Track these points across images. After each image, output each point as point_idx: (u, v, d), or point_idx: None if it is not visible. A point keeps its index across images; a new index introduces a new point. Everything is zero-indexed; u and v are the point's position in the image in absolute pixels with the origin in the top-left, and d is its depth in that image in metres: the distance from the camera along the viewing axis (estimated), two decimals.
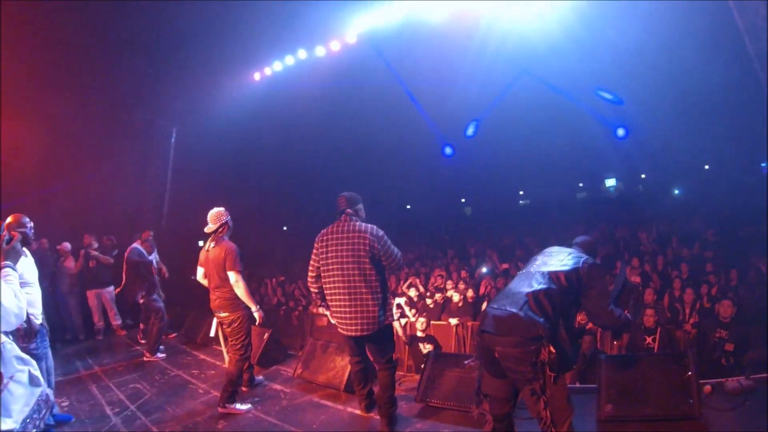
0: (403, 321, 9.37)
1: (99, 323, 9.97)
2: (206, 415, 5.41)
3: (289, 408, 5.46)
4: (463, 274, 11.79)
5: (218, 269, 5.56)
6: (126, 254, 8.48)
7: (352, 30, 12.45)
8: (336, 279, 4.63)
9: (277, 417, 5.21)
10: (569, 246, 3.95)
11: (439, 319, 9.50)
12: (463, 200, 33.70)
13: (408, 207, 30.61)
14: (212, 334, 6.23)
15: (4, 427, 2.50)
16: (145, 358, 7.92)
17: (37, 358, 3.73)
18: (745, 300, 7.69)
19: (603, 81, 15.90)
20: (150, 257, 8.59)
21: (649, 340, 7.12)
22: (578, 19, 12.11)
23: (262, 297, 12.46)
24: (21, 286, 2.99)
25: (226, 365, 6.12)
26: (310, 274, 4.89)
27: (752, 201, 11.09)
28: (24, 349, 2.91)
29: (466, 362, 3.87)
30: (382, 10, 12.00)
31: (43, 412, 2.77)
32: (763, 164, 18.89)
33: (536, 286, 3.43)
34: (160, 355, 7.99)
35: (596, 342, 7.46)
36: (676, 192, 23.37)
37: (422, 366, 5.51)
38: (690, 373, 4.07)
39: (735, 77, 12.98)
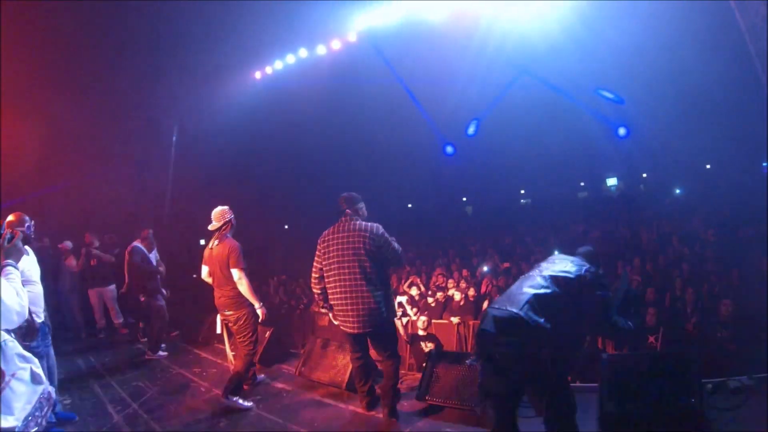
0: (404, 320, 9.37)
1: (100, 321, 9.99)
2: (208, 413, 5.41)
3: (291, 406, 5.47)
4: (465, 272, 11.79)
5: (222, 267, 5.61)
6: (127, 253, 8.47)
7: (353, 29, 12.46)
8: (338, 278, 4.70)
9: (278, 415, 5.21)
10: (572, 255, 3.95)
11: (441, 318, 9.50)
12: (464, 199, 33.68)
13: (409, 206, 30.57)
14: (219, 330, 6.25)
15: (5, 425, 2.50)
16: (146, 356, 7.93)
17: (39, 357, 3.72)
18: (746, 299, 7.68)
19: (604, 80, 15.88)
20: (150, 255, 8.58)
21: (651, 339, 7.11)
22: (578, 19, 12.10)
23: (263, 295, 12.46)
24: (23, 285, 2.99)
25: (230, 363, 6.16)
26: (313, 275, 4.96)
27: (753, 201, 11.07)
28: (25, 348, 2.90)
29: (467, 362, 3.88)
30: (382, 9, 12.00)
31: (45, 409, 2.76)
32: (764, 164, 18.85)
33: (538, 288, 3.43)
34: (162, 353, 8.00)
35: (597, 341, 7.45)
36: (677, 191, 23.33)
37: (424, 364, 5.51)
38: (692, 371, 4.06)
39: (736, 77, 12.96)
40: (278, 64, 13.74)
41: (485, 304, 8.96)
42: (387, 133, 20.87)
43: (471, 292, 9.97)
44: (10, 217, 4.47)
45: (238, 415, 5.30)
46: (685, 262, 10.03)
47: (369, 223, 4.76)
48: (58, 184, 13.28)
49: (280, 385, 6.20)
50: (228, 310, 5.72)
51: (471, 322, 8.93)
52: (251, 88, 14.36)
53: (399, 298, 9.77)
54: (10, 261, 3.03)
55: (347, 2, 12.01)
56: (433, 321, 9.11)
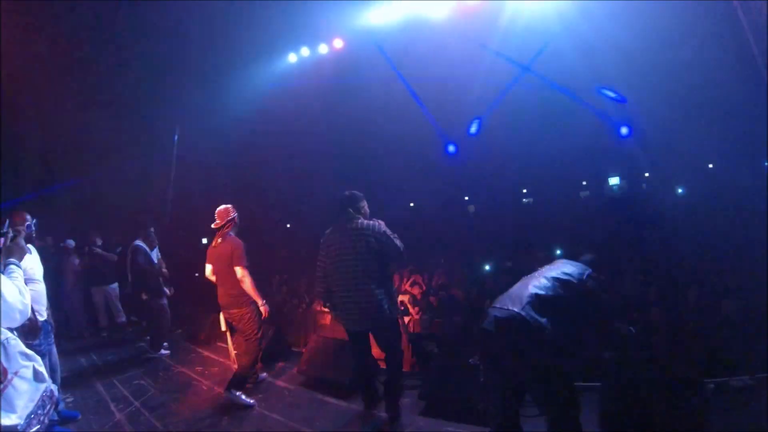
0: (406, 319, 9.36)
1: (103, 320, 10.00)
2: (210, 412, 5.43)
3: (293, 404, 5.48)
4: (467, 271, 11.79)
5: (225, 265, 5.67)
6: (130, 252, 8.46)
7: (356, 27, 12.45)
8: (340, 276, 4.73)
9: (280, 413, 5.22)
10: (575, 260, 3.96)
11: (443, 317, 9.49)
12: (466, 198, 33.66)
13: (411, 205, 30.58)
14: (223, 328, 6.28)
15: (8, 423, 2.51)
16: (149, 355, 7.94)
17: (41, 355, 3.73)
18: (749, 299, 7.66)
19: (606, 79, 15.86)
20: (152, 253, 8.58)
21: (655, 338, 7.11)
22: (581, 17, 12.08)
23: (266, 294, 12.46)
24: (26, 283, 2.99)
25: (232, 361, 6.20)
26: (317, 274, 5.00)
27: (756, 200, 11.06)
28: (28, 346, 2.91)
29: (470, 361, 3.89)
30: (384, 7, 11.99)
31: (48, 407, 2.77)
32: (766, 163, 18.82)
33: (540, 289, 3.44)
34: (164, 351, 8.01)
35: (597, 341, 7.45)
36: (680, 191, 23.32)
37: (425, 364, 5.52)
38: (694, 370, 4.07)
39: (739, 76, 12.93)
40: (281, 64, 13.74)
41: (487, 304, 8.95)
42: (389, 132, 20.85)
43: (473, 291, 9.97)
44: (12, 216, 4.47)
45: (240, 414, 5.32)
46: (686, 262, 10.02)
47: (371, 221, 4.78)
48: (61, 183, 13.30)
49: (282, 384, 6.20)
50: (231, 308, 5.76)
51: (473, 322, 8.92)
52: (253, 88, 14.36)
53: (401, 297, 9.77)
54: (12, 260, 3.04)
55: (350, 1, 12.01)
56: (435, 320, 9.11)
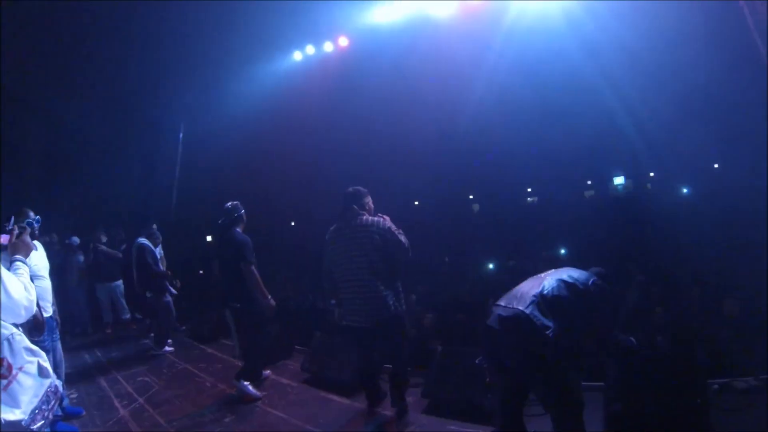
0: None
1: (107, 317, 10.04)
2: (213, 408, 5.44)
3: (296, 402, 5.48)
4: (470, 270, 11.80)
5: (232, 261, 5.72)
6: (136, 251, 8.48)
7: (361, 26, 12.43)
8: (346, 273, 4.73)
9: (283, 411, 5.23)
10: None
11: (447, 315, 9.49)
12: (471, 197, 33.67)
13: (416, 203, 30.58)
14: (230, 323, 6.32)
15: (12, 418, 2.52)
16: (153, 352, 7.96)
17: (45, 351, 3.74)
18: (753, 300, 7.64)
19: (612, 78, 15.84)
20: (155, 250, 8.60)
21: (660, 338, 7.09)
22: (587, 16, 12.05)
23: (269, 291, 12.48)
24: (31, 279, 3.01)
25: (236, 358, 6.24)
26: (323, 270, 4.98)
27: (761, 200, 11.03)
28: (33, 342, 2.93)
29: (476, 361, 3.89)
30: (390, 6, 11.97)
31: (52, 403, 2.78)
32: None
33: (546, 290, 3.44)
34: (168, 348, 8.03)
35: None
36: (685, 191, 23.27)
37: (430, 362, 5.52)
38: (698, 371, 4.06)
39: (746, 76, 12.89)
40: (285, 61, 13.74)
41: (490, 302, 8.95)
42: (393, 131, 20.88)
43: (477, 289, 9.97)
44: (18, 213, 4.49)
45: (243, 411, 5.33)
46: (691, 262, 10.00)
47: (375, 218, 4.78)
48: (66, 180, 13.33)
49: (285, 381, 6.21)
50: (238, 303, 5.85)
51: (478, 320, 8.91)
52: (258, 85, 14.36)
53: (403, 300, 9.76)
54: (18, 256, 3.06)
55: (355, 0, 12.00)
56: (439, 318, 9.11)
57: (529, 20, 12.12)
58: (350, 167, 19.70)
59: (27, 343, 2.77)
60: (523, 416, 3.73)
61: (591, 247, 12.83)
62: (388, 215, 4.87)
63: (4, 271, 2.65)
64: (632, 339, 3.70)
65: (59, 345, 5.14)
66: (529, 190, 33.60)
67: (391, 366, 5.01)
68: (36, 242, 4.63)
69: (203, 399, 5.80)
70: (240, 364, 6.28)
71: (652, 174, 28.47)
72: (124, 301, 10.05)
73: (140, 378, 6.76)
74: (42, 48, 10.81)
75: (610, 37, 13.73)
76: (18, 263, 3.00)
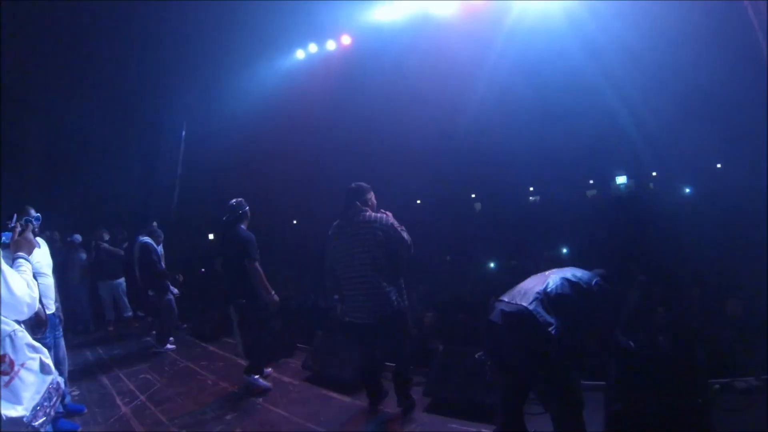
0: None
1: (109, 315, 10.06)
2: (215, 406, 5.45)
3: (298, 400, 5.49)
4: (472, 269, 11.79)
5: (236, 257, 5.77)
6: (139, 250, 8.49)
7: (363, 24, 12.43)
8: (349, 269, 4.74)
9: (285, 409, 5.23)
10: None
11: (448, 314, 9.49)
12: (473, 196, 33.67)
13: (418, 202, 30.58)
14: (233, 320, 6.35)
15: (14, 414, 2.52)
16: (155, 349, 7.98)
17: (47, 348, 3.76)
18: (754, 300, 7.63)
19: (614, 78, 15.82)
20: (157, 248, 8.61)
21: (662, 338, 7.09)
22: (588, 16, 12.05)
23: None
24: (34, 277, 3.02)
25: (239, 356, 6.27)
26: (325, 267, 4.99)
27: (763, 201, 11.01)
28: (34, 339, 2.94)
29: (476, 356, 3.89)
30: (392, 5, 11.97)
31: (54, 400, 2.78)
32: None
33: (549, 287, 3.45)
34: (170, 346, 8.05)
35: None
36: (687, 190, 23.24)
37: (431, 360, 5.52)
38: (699, 371, 4.05)
39: (749, 76, 12.87)
40: (288, 60, 13.74)
41: (492, 300, 8.95)
42: (395, 129, 20.87)
43: (479, 288, 9.97)
44: (20, 211, 4.51)
45: (245, 408, 5.34)
46: (693, 262, 9.99)
47: (378, 214, 4.78)
48: (68, 178, 13.34)
49: (286, 379, 6.22)
50: (243, 299, 5.90)
51: (479, 319, 8.91)
52: (260, 84, 14.37)
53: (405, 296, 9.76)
54: (21, 253, 3.06)
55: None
56: (440, 317, 9.11)
57: (530, 20, 12.12)
58: (351, 166, 19.69)
59: (29, 339, 2.78)
60: (524, 415, 3.74)
61: (592, 247, 12.83)
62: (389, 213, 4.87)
63: (6, 267, 2.65)
64: (631, 343, 3.70)
65: (62, 342, 5.17)
66: (531, 189, 33.59)
67: (393, 364, 5.01)
68: (40, 240, 4.65)
69: (205, 397, 5.81)
70: (244, 362, 6.35)
71: (654, 174, 28.44)
72: (126, 299, 10.07)
73: (142, 376, 6.77)
74: (42, 47, 10.83)
75: (612, 37, 13.73)
76: (21, 260, 3.00)
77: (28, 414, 2.58)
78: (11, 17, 9.45)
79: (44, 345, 3.17)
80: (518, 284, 3.72)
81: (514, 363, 3.38)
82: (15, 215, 3.45)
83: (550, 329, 3.19)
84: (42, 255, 4.65)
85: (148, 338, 8.88)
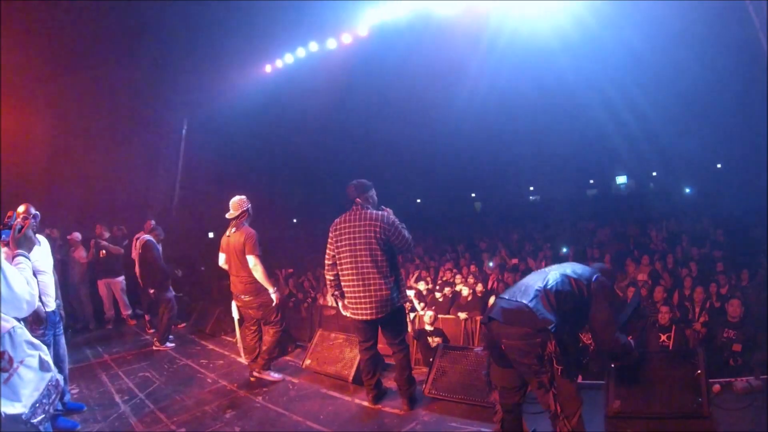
0: (411, 315, 9.36)
1: (109, 313, 10.06)
2: (214, 404, 5.44)
3: (297, 398, 5.48)
4: (473, 268, 11.79)
5: (239, 254, 5.82)
6: (141, 248, 8.49)
7: (364, 23, 12.42)
8: (349, 266, 4.76)
9: (284, 407, 5.23)
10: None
11: (448, 313, 9.50)
12: (473, 195, 33.70)
13: (418, 201, 30.60)
14: (234, 316, 6.36)
15: (13, 411, 2.52)
16: (154, 347, 7.98)
17: (47, 345, 3.76)
18: (755, 300, 7.63)
19: (615, 78, 15.81)
20: (158, 246, 8.62)
21: (663, 337, 7.09)
22: (590, 15, 12.03)
23: None
24: (34, 274, 3.01)
25: (239, 350, 6.29)
26: (326, 262, 5.02)
27: (764, 201, 11.01)
28: (34, 336, 2.94)
29: (476, 350, 3.90)
30: (393, 3, 11.96)
31: (53, 397, 2.78)
32: None
33: (549, 284, 3.45)
34: (170, 344, 8.05)
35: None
36: (688, 190, 23.25)
37: (431, 359, 5.53)
38: (699, 371, 4.05)
39: (750, 76, 12.87)
40: (289, 58, 13.73)
41: (492, 299, 8.97)
42: (396, 128, 20.86)
43: (479, 287, 9.97)
44: (21, 208, 4.51)
45: (244, 407, 5.34)
46: (693, 262, 10.00)
47: (380, 212, 4.82)
48: (68, 175, 13.32)
49: (286, 377, 6.22)
50: (245, 296, 5.95)
51: (478, 318, 8.92)
52: (261, 82, 14.36)
53: (407, 293, 9.76)
54: (21, 251, 3.06)
55: None
56: (440, 316, 9.11)
57: (533, 20, 12.11)
58: (352, 164, 19.73)
59: (28, 336, 2.78)
60: (523, 413, 3.74)
61: (592, 246, 12.84)
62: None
63: (6, 265, 2.65)
64: (632, 342, 3.70)
65: (62, 340, 5.17)
66: (531, 188, 33.61)
67: (393, 362, 5.02)
68: (40, 237, 4.65)
69: (204, 395, 5.81)
70: (244, 360, 6.40)
71: (654, 173, 28.45)
72: (125, 297, 10.06)
73: (141, 374, 6.77)
74: (45, 43, 10.81)
75: (612, 37, 13.71)
76: (20, 258, 3.00)
77: (27, 411, 2.58)
78: (12, 15, 9.44)
79: (44, 342, 3.18)
80: (519, 281, 3.73)
81: (513, 359, 3.38)
82: (14, 213, 3.45)
83: (549, 327, 3.19)
84: (42, 253, 4.65)
85: (148, 336, 8.88)
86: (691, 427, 3.81)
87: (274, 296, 5.97)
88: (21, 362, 2.64)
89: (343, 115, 18.93)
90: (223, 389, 5.92)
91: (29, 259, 3.05)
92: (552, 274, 3.55)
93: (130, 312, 10.12)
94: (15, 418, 2.52)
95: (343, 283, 4.89)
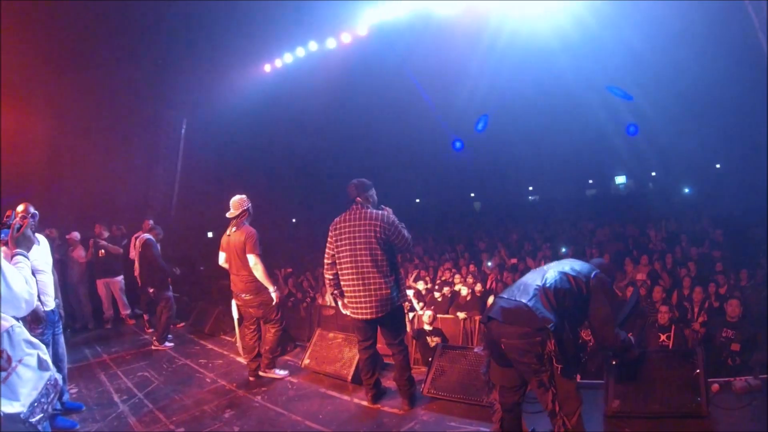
0: (410, 314, 9.36)
1: (108, 312, 10.05)
2: (213, 404, 5.44)
3: (296, 398, 5.48)
4: (472, 268, 11.80)
5: (239, 253, 5.85)
6: (141, 246, 8.49)
7: (364, 22, 12.42)
8: (349, 265, 4.76)
9: (283, 407, 5.23)
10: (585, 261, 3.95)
11: (447, 313, 9.50)
12: (472, 195, 33.69)
13: (417, 201, 30.60)
14: (235, 315, 6.37)
15: (11, 410, 2.52)
16: (153, 347, 7.98)
17: (45, 344, 3.75)
18: (753, 300, 7.64)
19: (614, 77, 15.81)
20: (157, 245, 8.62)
21: (663, 337, 7.10)
22: (590, 15, 12.04)
23: None
24: (33, 274, 3.01)
25: (238, 350, 6.31)
26: (326, 261, 5.02)
27: (763, 201, 11.02)
28: (32, 335, 2.94)
29: (476, 349, 3.90)
30: (393, 3, 11.96)
31: (51, 396, 2.78)
32: None
33: (548, 282, 3.45)
34: (169, 344, 8.05)
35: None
36: (686, 191, 23.26)
37: (430, 359, 5.53)
38: (698, 370, 4.05)
39: (749, 77, 12.87)
40: (288, 58, 13.73)
41: (491, 299, 8.97)
42: (395, 128, 20.87)
43: (478, 287, 9.99)
44: (20, 207, 4.51)
45: (243, 406, 5.33)
46: (692, 262, 10.01)
47: (380, 211, 4.82)
48: (67, 175, 13.32)
49: (285, 377, 6.21)
50: (248, 294, 5.98)
51: (477, 318, 8.92)
52: (261, 81, 14.36)
53: (406, 292, 9.76)
54: (20, 250, 3.06)
55: None
56: (439, 316, 9.11)
57: (533, 20, 12.11)
58: (351, 164, 19.72)
59: (27, 335, 2.78)
60: (522, 413, 3.74)
61: (591, 246, 12.84)
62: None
63: (5, 264, 2.65)
64: (631, 338, 3.69)
65: (62, 339, 5.17)
66: (530, 188, 33.62)
67: (393, 361, 5.02)
68: (39, 237, 4.65)
69: (203, 394, 5.80)
70: (243, 360, 6.40)
71: (653, 173, 28.46)
72: (124, 297, 10.06)
73: (140, 373, 6.76)
74: (46, 42, 10.80)
75: (612, 37, 13.71)
76: (19, 257, 3.00)
77: (25, 410, 2.57)
78: (12, 15, 9.43)
79: (43, 341, 3.18)
80: (518, 280, 3.73)
81: (512, 358, 3.37)
82: (12, 213, 3.45)
83: (549, 326, 3.19)
84: (41, 252, 4.64)
85: (147, 336, 8.87)
86: (689, 426, 3.82)
87: (274, 295, 5.98)
88: (19, 361, 2.64)
89: (342, 115, 18.92)
90: (222, 389, 5.92)
91: (28, 258, 3.05)
92: (550, 272, 3.55)
93: (129, 312, 10.11)
94: (13, 417, 2.52)
95: (342, 282, 4.88)
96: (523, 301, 3.32)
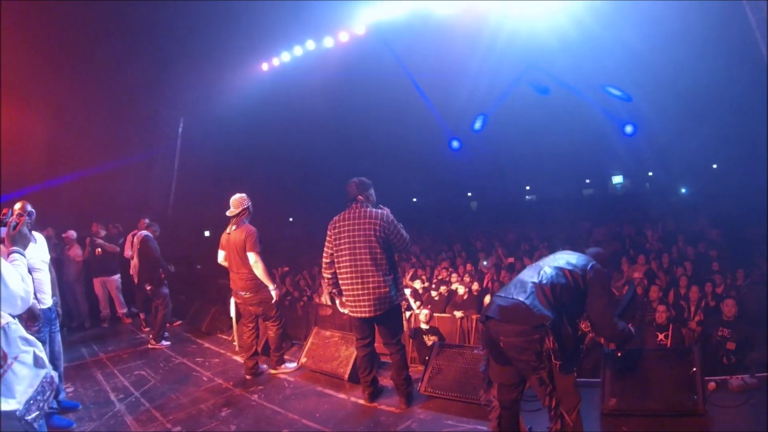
0: (407, 313, 9.37)
1: (105, 311, 10.03)
2: (210, 403, 5.43)
3: (293, 396, 5.48)
4: (469, 267, 11.81)
5: (239, 251, 5.88)
6: (139, 242, 8.49)
7: (361, 21, 12.41)
8: (348, 263, 4.78)
9: (280, 405, 5.23)
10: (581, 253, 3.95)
11: (444, 312, 9.51)
12: (469, 194, 33.72)
13: (414, 200, 30.60)
14: (233, 313, 6.38)
15: (7, 408, 2.51)
16: (149, 346, 7.96)
17: (42, 342, 3.75)
18: (749, 299, 7.65)
19: (612, 77, 15.82)
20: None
21: (661, 336, 7.11)
22: (588, 15, 12.04)
23: None
24: (29, 271, 3.01)
25: (235, 348, 6.33)
26: (324, 260, 5.03)
27: (759, 201, 11.04)
28: (29, 333, 2.93)
29: (475, 350, 3.90)
30: (391, 2, 11.95)
31: (47, 394, 2.78)
32: None
33: (544, 278, 3.44)
34: (165, 342, 8.03)
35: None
36: (683, 191, 23.31)
37: (426, 357, 5.53)
38: (695, 369, 4.06)
39: (745, 77, 12.89)
40: (285, 56, 13.70)
41: (488, 298, 8.98)
42: (393, 127, 20.87)
43: (474, 286, 10.00)
44: (17, 206, 4.51)
45: (239, 405, 5.33)
46: (689, 261, 10.02)
47: (379, 210, 4.83)
48: (64, 174, 13.29)
49: (282, 376, 6.21)
50: (245, 292, 6.02)
51: (474, 317, 8.94)
52: (258, 80, 14.34)
53: (404, 291, 9.77)
54: (16, 248, 3.06)
55: None
56: (435, 315, 9.12)
57: (531, 19, 12.11)
58: (348, 163, 19.69)
59: (23, 332, 2.77)
60: (520, 411, 3.74)
61: (588, 245, 12.85)
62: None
63: (1, 261, 2.65)
64: (631, 328, 3.69)
65: (58, 337, 5.16)
66: (527, 188, 33.65)
67: (390, 360, 5.03)
68: (36, 234, 4.64)
69: (200, 393, 5.79)
70: (240, 358, 6.47)
71: (650, 173, 28.51)
72: (121, 295, 10.04)
73: (137, 372, 6.75)
74: (44, 41, 10.78)
75: (611, 37, 13.71)
76: (15, 254, 3.00)
77: (21, 408, 2.57)
78: (12, 15, 9.42)
79: (39, 339, 3.18)
80: (514, 278, 3.73)
81: (510, 356, 3.37)
82: (9, 211, 3.44)
83: (546, 323, 3.19)
84: (37, 250, 4.64)
85: (143, 334, 8.86)
86: (686, 424, 3.83)
87: (273, 293, 6.02)
88: (15, 358, 2.64)
89: (339, 114, 18.93)
90: (218, 387, 5.91)
91: (24, 256, 3.06)
92: (546, 268, 3.54)
93: (125, 310, 10.10)
94: (9, 415, 2.51)
95: (341, 281, 4.89)
96: (520, 298, 3.32)
